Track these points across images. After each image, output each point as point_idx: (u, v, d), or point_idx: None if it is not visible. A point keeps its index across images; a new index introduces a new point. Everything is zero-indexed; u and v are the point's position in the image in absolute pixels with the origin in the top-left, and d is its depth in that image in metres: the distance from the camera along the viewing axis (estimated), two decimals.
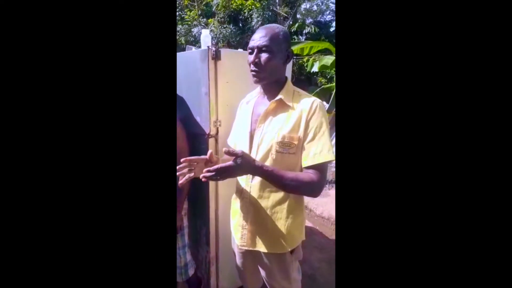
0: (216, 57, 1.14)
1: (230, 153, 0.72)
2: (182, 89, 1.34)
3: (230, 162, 0.72)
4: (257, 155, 0.86)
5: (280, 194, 0.87)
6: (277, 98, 0.84)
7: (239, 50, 1.42)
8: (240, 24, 7.16)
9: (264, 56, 0.81)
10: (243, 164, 0.73)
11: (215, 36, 6.17)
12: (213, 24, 6.48)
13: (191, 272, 1.32)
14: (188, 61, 1.28)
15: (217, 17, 6.83)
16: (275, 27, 0.84)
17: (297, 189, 0.80)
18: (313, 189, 0.79)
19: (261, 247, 0.91)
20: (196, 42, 5.93)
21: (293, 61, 1.93)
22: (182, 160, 0.75)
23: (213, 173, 0.70)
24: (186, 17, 6.86)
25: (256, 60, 0.81)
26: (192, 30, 6.58)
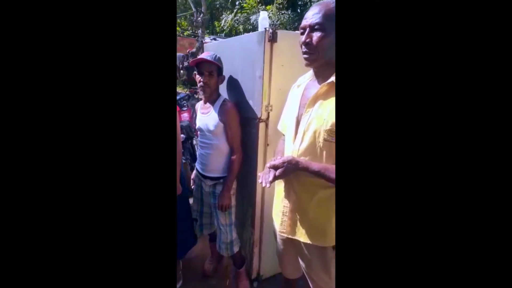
0: (273, 39, 1.12)
1: (274, 166, 0.81)
2: (237, 72, 1.37)
3: (278, 171, 0.81)
4: (302, 143, 0.81)
5: (326, 182, 0.80)
6: (329, 81, 0.76)
7: (297, 31, 1.36)
8: (298, 10, 6.91)
9: (316, 35, 0.74)
10: (291, 168, 0.80)
11: (272, 22, 6.10)
12: (271, 10, 6.40)
13: (235, 249, 1.39)
14: (245, 44, 1.30)
15: (276, 3, 6.71)
16: (331, 2, 0.75)
17: None
18: None
19: (300, 236, 0.87)
20: (254, 30, 5.97)
21: None
22: (269, 166, 0.83)
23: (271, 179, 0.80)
24: (245, 5, 6.94)
25: (308, 40, 0.76)
26: (250, 18, 6.64)
